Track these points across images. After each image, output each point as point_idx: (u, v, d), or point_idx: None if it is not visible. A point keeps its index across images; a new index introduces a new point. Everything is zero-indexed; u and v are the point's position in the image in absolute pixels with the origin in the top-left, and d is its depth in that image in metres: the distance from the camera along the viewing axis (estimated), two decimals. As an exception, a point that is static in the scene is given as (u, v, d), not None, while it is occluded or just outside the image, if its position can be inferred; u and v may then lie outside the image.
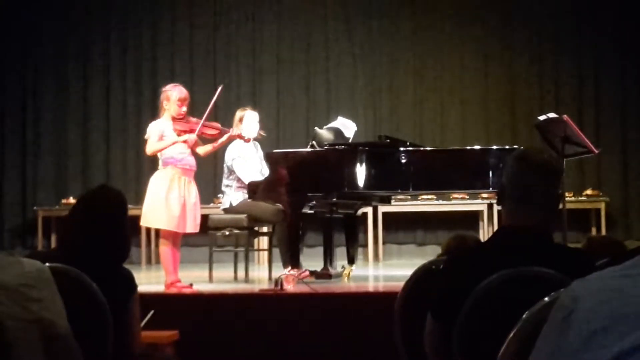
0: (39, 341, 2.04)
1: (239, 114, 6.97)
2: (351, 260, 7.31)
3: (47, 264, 2.25)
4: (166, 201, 5.91)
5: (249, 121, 6.90)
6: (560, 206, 3.37)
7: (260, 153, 7.01)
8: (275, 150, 7.01)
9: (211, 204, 9.11)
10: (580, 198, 9.59)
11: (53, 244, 9.48)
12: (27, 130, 10.62)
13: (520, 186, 2.42)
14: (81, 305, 2.55)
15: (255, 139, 7.01)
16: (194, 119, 6.22)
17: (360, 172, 6.29)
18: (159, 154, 6.08)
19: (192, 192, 6.07)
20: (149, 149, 6.08)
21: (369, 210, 9.39)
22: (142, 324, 3.29)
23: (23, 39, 10.58)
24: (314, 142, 6.74)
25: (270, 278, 6.64)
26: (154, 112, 6.42)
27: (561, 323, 0.79)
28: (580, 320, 0.76)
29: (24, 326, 2.03)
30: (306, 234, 8.52)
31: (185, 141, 6.03)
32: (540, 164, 2.45)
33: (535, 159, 2.46)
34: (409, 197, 9.39)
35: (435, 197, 9.66)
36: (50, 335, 2.06)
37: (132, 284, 2.94)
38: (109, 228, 2.94)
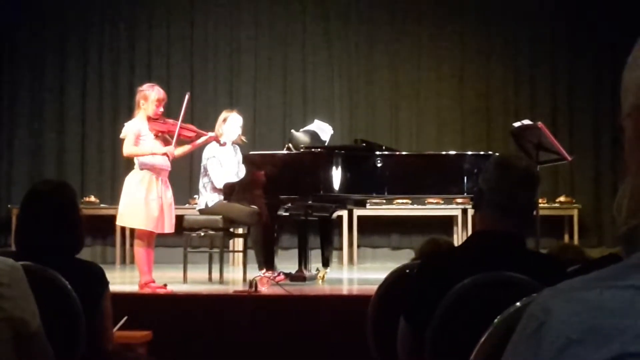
0: (10, 339, 2.02)
1: (224, 114, 7.04)
2: (326, 263, 7.32)
3: (19, 262, 2.24)
4: (145, 201, 5.90)
5: (231, 123, 6.97)
6: (534, 213, 3.39)
7: (239, 156, 7.01)
8: (251, 152, 7.01)
9: (186, 205, 9.08)
10: (553, 205, 9.66)
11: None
12: (3, 127, 10.52)
13: (502, 192, 2.43)
14: (53, 303, 2.54)
15: (235, 143, 7.05)
16: (170, 120, 6.21)
17: (336, 176, 6.30)
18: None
19: (168, 193, 6.08)
20: (126, 150, 6.05)
21: (344, 213, 9.41)
22: (115, 329, 3.27)
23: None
24: (290, 145, 6.75)
25: (244, 280, 6.63)
26: (131, 113, 6.39)
27: (532, 334, 0.78)
28: (553, 332, 0.75)
29: (-5, 324, 2.01)
30: (281, 236, 8.49)
31: (164, 153, 6.02)
32: (523, 171, 2.47)
33: (518, 165, 2.48)
34: (384, 201, 9.40)
35: (410, 202, 9.68)
36: (21, 334, 2.05)
37: (104, 281, 2.92)
38: (58, 220, 2.92)
